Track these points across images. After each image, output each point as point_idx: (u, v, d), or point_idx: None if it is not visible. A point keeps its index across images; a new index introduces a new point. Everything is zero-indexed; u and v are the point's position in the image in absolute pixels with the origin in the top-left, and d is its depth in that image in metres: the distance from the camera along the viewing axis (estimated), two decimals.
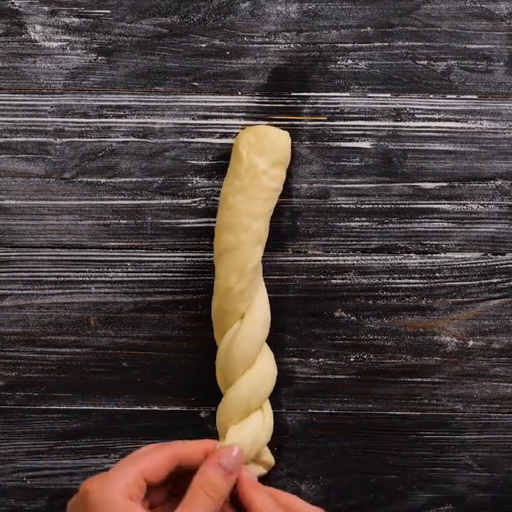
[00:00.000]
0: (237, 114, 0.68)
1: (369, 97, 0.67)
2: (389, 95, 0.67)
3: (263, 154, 0.63)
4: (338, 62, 0.67)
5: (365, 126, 0.68)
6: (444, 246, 0.68)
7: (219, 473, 0.53)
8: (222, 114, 0.68)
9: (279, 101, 0.67)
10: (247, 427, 0.63)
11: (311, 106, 0.67)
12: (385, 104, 0.68)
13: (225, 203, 0.63)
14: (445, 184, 0.68)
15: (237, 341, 0.62)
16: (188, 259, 0.68)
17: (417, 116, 0.67)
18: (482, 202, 0.68)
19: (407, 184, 0.68)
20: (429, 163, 0.68)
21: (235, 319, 0.63)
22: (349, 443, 0.69)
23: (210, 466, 0.53)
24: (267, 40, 0.67)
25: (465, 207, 0.68)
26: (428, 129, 0.68)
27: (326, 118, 0.68)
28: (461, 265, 0.68)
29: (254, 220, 0.62)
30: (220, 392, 0.65)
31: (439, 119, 0.67)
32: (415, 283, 0.68)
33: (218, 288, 0.64)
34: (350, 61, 0.67)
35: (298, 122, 0.68)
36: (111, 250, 0.68)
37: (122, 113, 0.68)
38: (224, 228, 0.63)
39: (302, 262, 0.68)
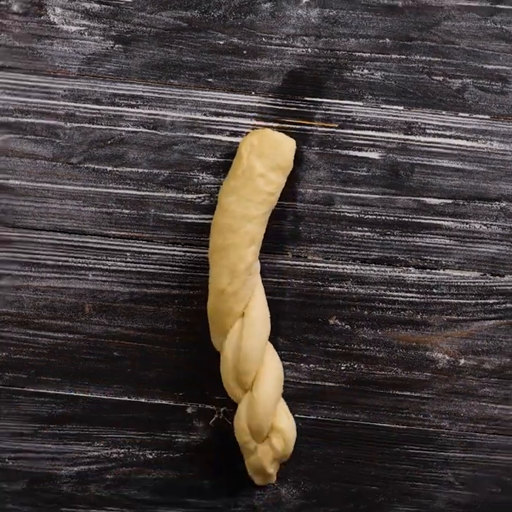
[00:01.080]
0: (249, 114, 0.68)
1: (382, 108, 0.67)
2: (402, 108, 0.68)
3: (262, 157, 0.62)
4: (354, 71, 0.67)
5: (375, 136, 0.68)
6: (443, 263, 0.68)
7: None
8: (234, 112, 0.68)
9: (292, 104, 0.67)
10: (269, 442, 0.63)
11: (323, 112, 0.67)
12: (397, 116, 0.68)
13: (220, 203, 0.63)
14: (450, 201, 0.68)
15: (244, 342, 0.62)
16: (187, 254, 0.68)
17: (427, 131, 0.68)
18: (485, 222, 0.68)
19: (412, 198, 0.68)
20: (435, 179, 0.68)
21: (232, 320, 0.63)
22: (333, 451, 0.69)
23: None
24: (285, 42, 0.67)
25: (468, 225, 0.68)
26: (438, 145, 0.68)
27: (337, 125, 0.68)
28: (459, 283, 0.68)
29: (247, 221, 0.62)
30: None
31: (450, 136, 0.68)
32: (412, 297, 0.68)
33: (212, 289, 0.63)
34: (366, 71, 0.67)
35: (309, 127, 0.68)
36: (111, 239, 0.68)
37: (134, 103, 0.67)
38: (215, 228, 0.63)
39: (301, 267, 0.68)
